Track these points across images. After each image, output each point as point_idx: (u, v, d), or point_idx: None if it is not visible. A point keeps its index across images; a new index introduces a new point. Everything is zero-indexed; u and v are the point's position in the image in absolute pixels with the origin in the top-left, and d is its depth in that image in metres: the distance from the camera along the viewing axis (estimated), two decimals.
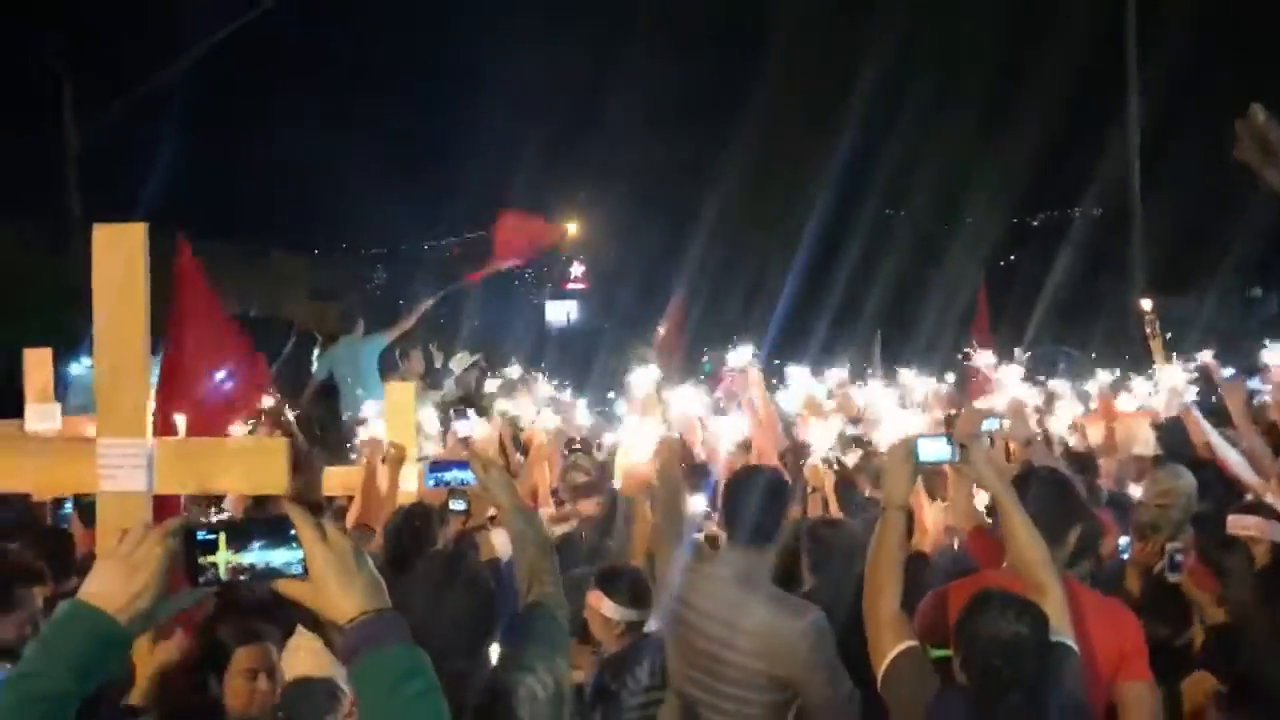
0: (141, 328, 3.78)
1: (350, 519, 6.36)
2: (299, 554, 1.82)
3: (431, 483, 3.78)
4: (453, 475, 3.70)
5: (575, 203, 27.43)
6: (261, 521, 1.85)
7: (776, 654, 3.87)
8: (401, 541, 4.90)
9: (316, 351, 12.47)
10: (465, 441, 7.72)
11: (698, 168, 25.22)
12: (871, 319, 19.81)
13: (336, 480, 6.93)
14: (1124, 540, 5.75)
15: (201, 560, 1.81)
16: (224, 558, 1.80)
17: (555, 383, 10.60)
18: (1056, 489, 3.99)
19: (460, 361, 12.34)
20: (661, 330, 12.89)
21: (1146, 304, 10.52)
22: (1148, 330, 9.69)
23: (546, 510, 6.92)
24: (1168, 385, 8.48)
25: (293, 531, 1.83)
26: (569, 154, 25.57)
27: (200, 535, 1.81)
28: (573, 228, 30.39)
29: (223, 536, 1.81)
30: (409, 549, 4.82)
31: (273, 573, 1.82)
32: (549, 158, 25.95)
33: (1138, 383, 9.54)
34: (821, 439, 6.56)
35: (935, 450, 3.59)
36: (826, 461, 6.45)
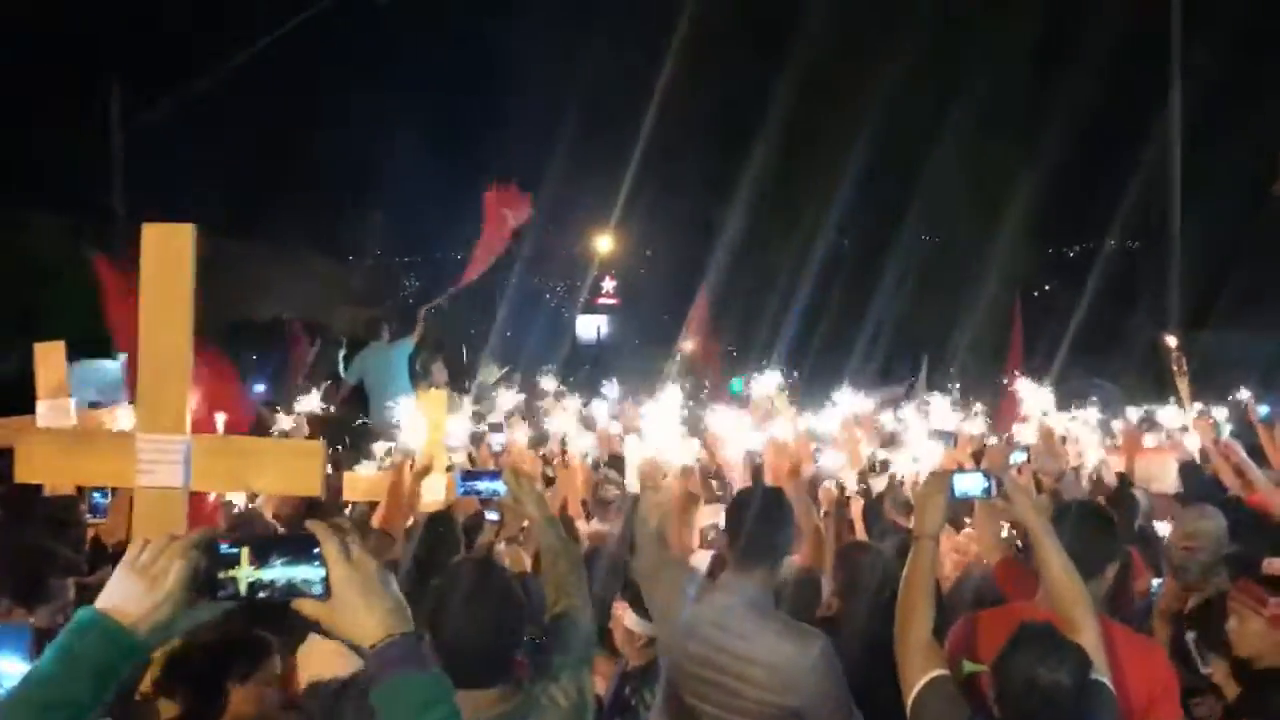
0: (186, 327, 3.83)
1: (375, 523, 6.41)
2: (321, 572, 1.79)
3: (462, 491, 3.79)
4: (484, 485, 3.72)
5: (608, 218, 27.48)
6: (286, 538, 1.83)
7: (789, 685, 3.81)
8: (426, 547, 4.93)
9: (343, 355, 12.58)
10: (498, 457, 7.77)
11: (733, 186, 25.21)
12: (910, 346, 19.77)
13: (361, 485, 6.97)
14: (1157, 582, 5.68)
15: (222, 575, 1.79)
16: (245, 573, 1.78)
17: (583, 400, 10.63)
18: (1098, 522, 3.97)
19: (489, 374, 12.40)
20: (690, 344, 12.90)
21: (1172, 340, 10.46)
22: (1174, 368, 9.63)
23: (584, 525, 6.96)
24: (1184, 425, 8.44)
25: (317, 550, 1.80)
26: (603, 168, 25.64)
27: (222, 549, 1.79)
28: (606, 243, 30.53)
29: (245, 551, 1.78)
30: (433, 555, 4.86)
31: (294, 590, 1.79)
32: (583, 171, 26.05)
33: (1167, 414, 9.47)
34: (833, 462, 6.55)
35: (971, 485, 3.61)
36: (840, 487, 6.45)
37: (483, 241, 12.17)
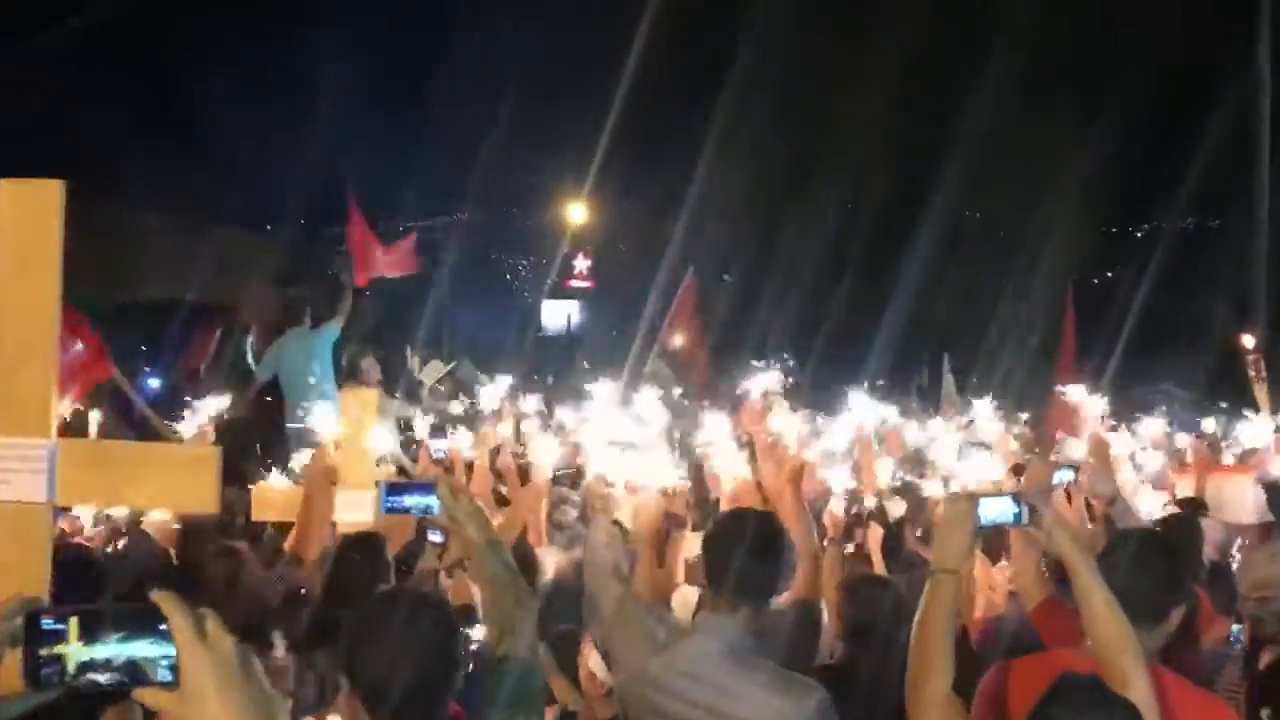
0: (52, 304, 3.78)
1: (288, 546, 6.40)
2: (169, 650, 1.70)
3: (386, 507, 3.76)
4: (414, 501, 3.69)
5: (582, 184, 27.48)
6: (126, 610, 1.73)
7: None
8: (339, 575, 4.90)
9: (250, 343, 12.51)
10: (440, 464, 7.74)
11: (732, 149, 25.24)
12: (936, 341, 19.78)
13: (274, 501, 6.94)
14: (1237, 628, 5.68)
15: (44, 652, 1.70)
16: (74, 650, 1.70)
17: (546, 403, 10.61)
18: (1162, 555, 3.96)
19: (431, 373, 12.37)
20: (678, 339, 12.89)
21: (1250, 341, 10.51)
22: (1250, 372, 9.67)
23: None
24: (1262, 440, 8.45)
25: (164, 625, 1.70)
26: (576, 124, 25.59)
27: (45, 623, 1.71)
28: (579, 214, 30.53)
29: (74, 623, 1.70)
30: (349, 585, 4.83)
31: (135, 672, 1.69)
32: (553, 127, 26.04)
33: (1247, 429, 9.49)
34: (841, 481, 6.55)
35: (999, 511, 3.61)
36: (849, 509, 6.46)
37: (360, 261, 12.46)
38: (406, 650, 2.92)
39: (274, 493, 7.10)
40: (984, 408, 10.38)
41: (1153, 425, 10.25)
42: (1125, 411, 11.25)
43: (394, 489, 3.78)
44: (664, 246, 20.73)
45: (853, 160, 24.13)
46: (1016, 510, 3.60)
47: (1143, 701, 3.28)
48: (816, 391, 10.70)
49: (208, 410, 8.27)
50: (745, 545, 3.99)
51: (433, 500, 3.63)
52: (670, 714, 3.91)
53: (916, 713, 3.41)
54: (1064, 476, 6.02)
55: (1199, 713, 3.68)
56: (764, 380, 7.95)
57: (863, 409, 8.62)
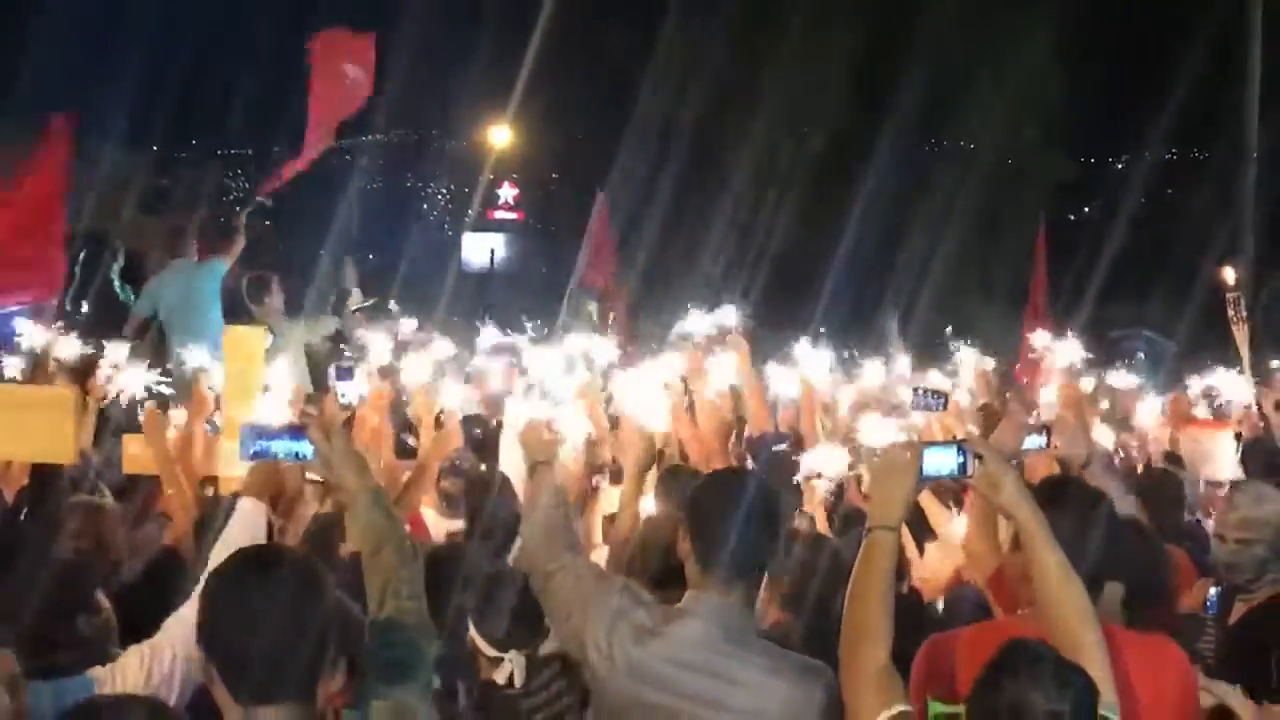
0: None
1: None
2: None
3: (250, 452, 3.66)
4: (281, 446, 3.60)
5: (506, 103, 27.18)
6: None
7: None
8: (209, 538, 4.78)
9: (118, 268, 12.24)
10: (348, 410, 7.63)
11: (675, 64, 25.06)
12: (893, 286, 19.87)
13: (146, 453, 6.78)
14: (1214, 591, 5.69)
15: None
16: None
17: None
18: (1097, 521, 3.88)
19: (355, 301, 12.19)
20: (596, 277, 12.81)
21: (1230, 275, 10.57)
22: (1230, 312, 9.72)
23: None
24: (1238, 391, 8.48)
25: None
26: (500, 33, 25.30)
27: None
28: (503, 137, 30.22)
29: None
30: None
31: None
32: (472, 36, 25.71)
33: (1225, 378, 9.55)
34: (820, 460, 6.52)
35: (940, 461, 3.56)
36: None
37: (315, 110, 11.87)
38: (265, 618, 2.80)
39: (138, 444, 6.91)
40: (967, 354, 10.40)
41: (1123, 378, 10.24)
42: (1100, 358, 11.30)
43: (259, 433, 3.67)
44: (598, 177, 20.57)
45: (804, 80, 24.04)
46: (961, 460, 3.54)
47: (1098, 669, 3.29)
48: (760, 339, 10.64)
49: (58, 353, 7.95)
50: (741, 513, 3.81)
51: (304, 446, 3.54)
52: (660, 708, 3.76)
53: (851, 683, 3.38)
54: (1034, 443, 5.93)
55: (1146, 657, 3.69)
56: (713, 321, 7.92)
57: (808, 359, 8.60)
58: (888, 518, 3.54)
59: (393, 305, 13.14)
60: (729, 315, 8.08)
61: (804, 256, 21.41)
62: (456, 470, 7.42)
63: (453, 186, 39.74)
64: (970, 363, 9.14)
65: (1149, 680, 3.63)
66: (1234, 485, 5.87)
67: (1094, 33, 22.78)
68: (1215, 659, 5.12)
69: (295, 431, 3.62)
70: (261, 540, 4.33)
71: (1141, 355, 19.23)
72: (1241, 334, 9.64)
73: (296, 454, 3.59)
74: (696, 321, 8.08)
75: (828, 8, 24.13)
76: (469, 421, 8.45)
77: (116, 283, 12.26)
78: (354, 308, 11.80)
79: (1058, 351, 8.08)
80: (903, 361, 10.91)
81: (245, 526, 4.24)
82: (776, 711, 3.63)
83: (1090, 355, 8.73)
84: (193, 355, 7.41)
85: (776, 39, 24.47)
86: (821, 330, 13.94)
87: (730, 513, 3.81)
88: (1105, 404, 9.45)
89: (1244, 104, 22.25)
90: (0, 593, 4.14)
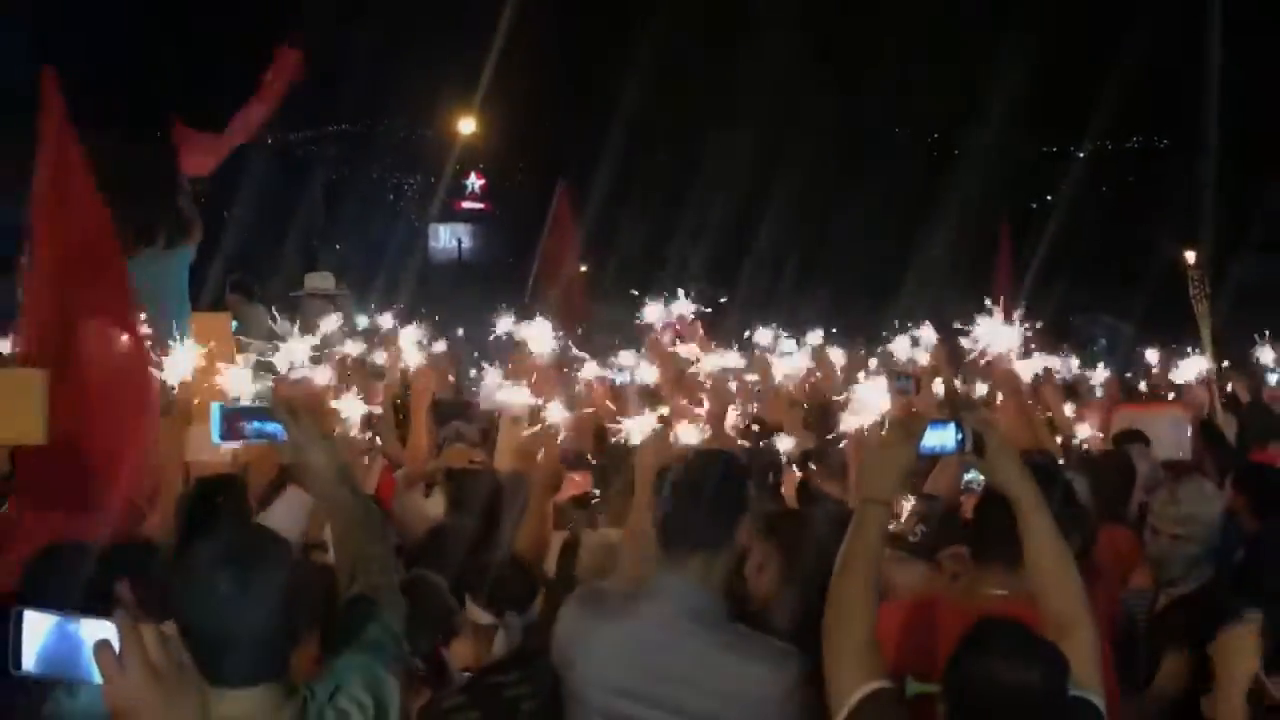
0: None
1: None
2: None
3: (219, 436, 3.67)
4: (251, 429, 3.61)
5: (472, 92, 27.07)
6: None
7: None
8: (195, 525, 4.79)
9: None
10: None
11: (644, 52, 25.03)
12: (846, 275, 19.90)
13: None
14: None
15: None
16: None
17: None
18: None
19: (320, 280, 12.13)
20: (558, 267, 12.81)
21: (1191, 256, 10.64)
22: (1192, 292, 9.78)
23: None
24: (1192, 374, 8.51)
25: None
26: (464, 20, 25.19)
27: None
28: (469, 127, 30.05)
29: None
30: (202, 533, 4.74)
31: None
32: (437, 24, 25.59)
33: (1187, 364, 9.63)
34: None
35: (939, 437, 3.56)
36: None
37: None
38: (232, 601, 2.83)
39: None
40: (901, 342, 10.47)
41: (1064, 363, 10.17)
42: (1054, 343, 11.33)
43: (229, 415, 3.69)
44: (565, 167, 20.54)
45: (773, 67, 24.09)
46: (959, 436, 3.54)
47: (1087, 647, 3.32)
48: (724, 327, 10.71)
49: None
50: (689, 482, 3.83)
51: (275, 427, 3.56)
52: (626, 692, 3.72)
53: (833, 660, 3.36)
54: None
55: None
56: (674, 310, 7.97)
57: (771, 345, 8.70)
58: (881, 490, 3.52)
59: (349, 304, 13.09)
60: (684, 305, 8.11)
61: (772, 241, 21.42)
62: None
63: (419, 177, 39.51)
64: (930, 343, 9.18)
65: None
66: (1176, 478, 5.74)
67: (1057, 22, 22.78)
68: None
69: (265, 413, 3.64)
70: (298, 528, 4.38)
71: (1101, 340, 19.40)
72: (1203, 310, 9.69)
73: (265, 434, 3.61)
74: (654, 311, 8.12)
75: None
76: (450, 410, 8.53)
77: None
78: (323, 289, 11.78)
79: (994, 335, 7.74)
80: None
81: (288, 512, 4.29)
82: (748, 697, 3.59)
83: (1032, 338, 8.65)
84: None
85: (741, 28, 24.50)
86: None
87: (682, 489, 3.81)
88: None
89: (1204, 92, 22.36)
90: None
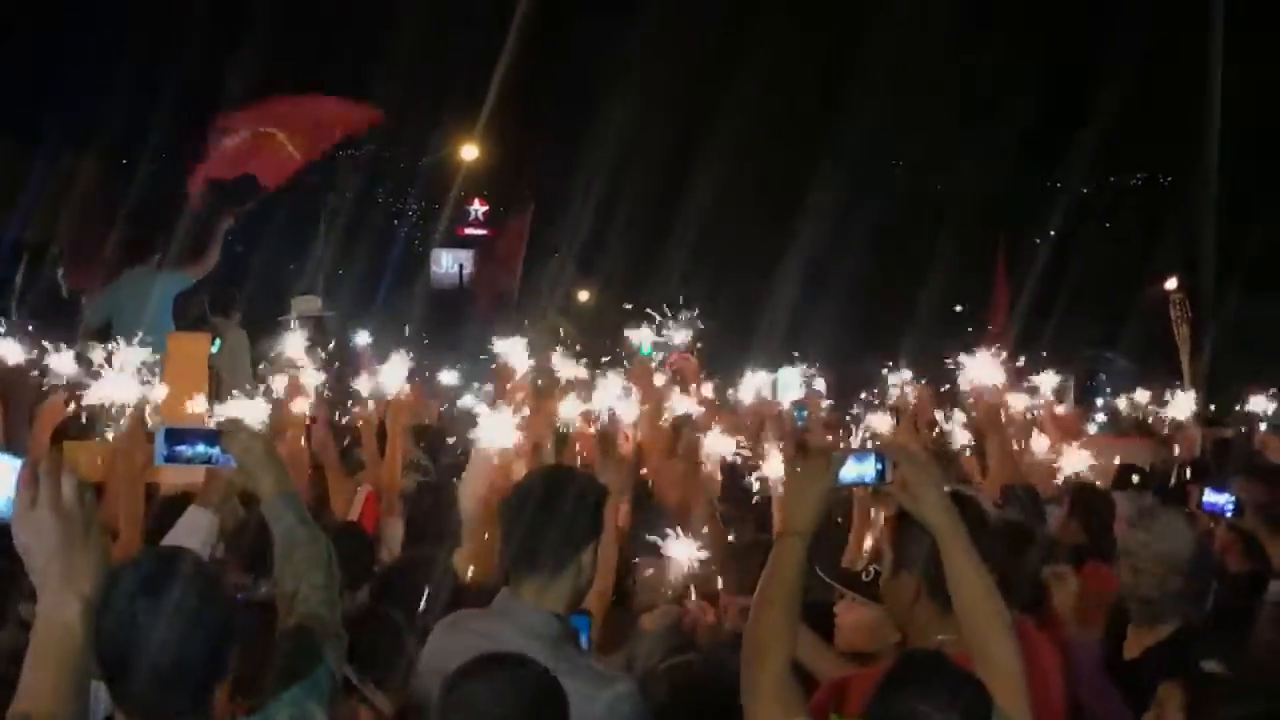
0: None
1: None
2: None
3: (162, 458, 3.60)
4: (197, 452, 3.55)
5: (474, 118, 27.12)
6: None
7: None
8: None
9: (61, 275, 12.08)
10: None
11: (644, 90, 25.13)
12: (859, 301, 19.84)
13: (81, 460, 6.68)
14: None
15: None
16: None
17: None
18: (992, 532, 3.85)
19: (306, 304, 12.09)
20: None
21: (1173, 283, 10.57)
22: (1174, 314, 9.71)
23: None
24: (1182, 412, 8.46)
25: None
26: (469, 46, 25.27)
27: None
28: (471, 153, 30.08)
29: None
30: None
31: None
32: (443, 51, 25.66)
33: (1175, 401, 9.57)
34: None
35: (858, 468, 3.54)
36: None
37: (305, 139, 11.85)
38: (153, 632, 2.73)
39: (83, 450, 6.82)
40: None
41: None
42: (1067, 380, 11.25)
43: (173, 436, 3.61)
44: (571, 194, 20.57)
45: (768, 98, 24.15)
46: (878, 468, 3.50)
47: (1011, 682, 3.28)
48: (718, 358, 10.69)
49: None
50: (521, 505, 3.84)
51: (216, 450, 3.50)
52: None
53: (750, 695, 3.33)
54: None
55: (1031, 651, 3.60)
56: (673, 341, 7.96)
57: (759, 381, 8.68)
58: (800, 523, 3.51)
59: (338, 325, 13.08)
60: (680, 333, 8.08)
61: (768, 276, 21.42)
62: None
63: (423, 203, 39.64)
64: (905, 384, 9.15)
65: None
66: (1148, 514, 5.62)
67: (1054, 58, 22.84)
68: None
69: (210, 435, 3.57)
70: (204, 550, 4.30)
71: (1101, 374, 19.34)
72: (1183, 335, 9.63)
73: (209, 458, 3.54)
74: (645, 334, 8.08)
75: (792, 30, 24.23)
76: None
77: (64, 291, 12.09)
78: (308, 311, 11.74)
79: (980, 370, 7.45)
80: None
81: (189, 534, 4.21)
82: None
83: (1009, 373, 8.56)
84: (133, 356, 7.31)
85: (740, 58, 24.58)
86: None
87: (531, 510, 3.79)
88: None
89: (1205, 128, 22.30)
90: None
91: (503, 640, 3.60)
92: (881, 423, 8.29)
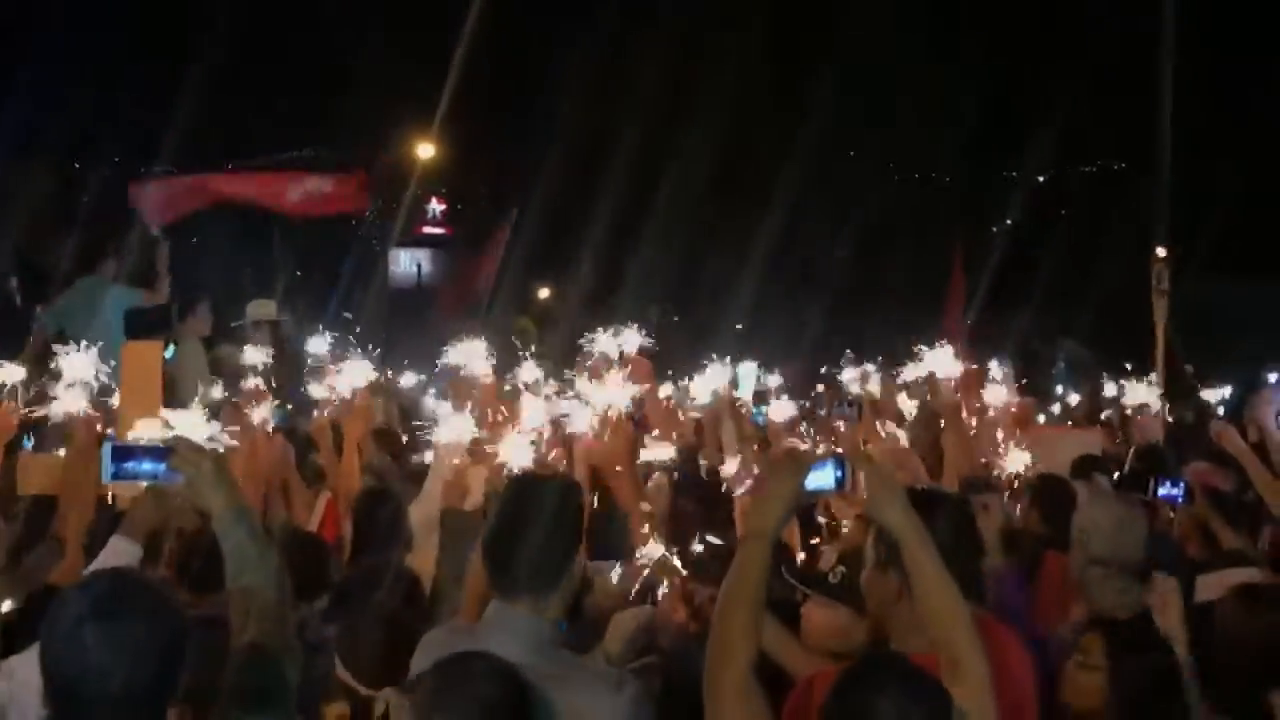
0: None
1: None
2: None
3: (109, 475, 3.54)
4: (143, 469, 3.49)
5: (430, 115, 26.96)
6: None
7: None
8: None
9: (14, 286, 12.00)
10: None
11: (604, 86, 25.10)
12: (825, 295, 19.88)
13: (37, 472, 6.62)
14: None
15: None
16: None
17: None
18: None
19: (260, 309, 11.99)
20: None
21: (1161, 252, 10.61)
22: (1154, 281, 9.73)
23: None
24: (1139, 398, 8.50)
25: None
26: (423, 40, 25.17)
27: None
28: (427, 151, 29.91)
29: None
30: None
31: None
32: (396, 43, 25.53)
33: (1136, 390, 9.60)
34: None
35: (819, 478, 3.54)
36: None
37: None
38: (99, 649, 2.69)
39: (39, 461, 6.75)
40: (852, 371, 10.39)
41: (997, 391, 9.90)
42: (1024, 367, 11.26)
43: (120, 453, 3.56)
44: (531, 193, 20.53)
45: (727, 94, 24.16)
46: (839, 475, 3.52)
47: (976, 687, 3.29)
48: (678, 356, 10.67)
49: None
50: (540, 521, 3.74)
51: (162, 467, 3.45)
52: None
53: (713, 697, 3.33)
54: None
55: (998, 648, 3.63)
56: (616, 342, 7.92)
57: (719, 376, 8.62)
58: (765, 526, 3.50)
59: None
60: (631, 338, 8.04)
61: (727, 268, 21.44)
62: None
63: (379, 202, 39.38)
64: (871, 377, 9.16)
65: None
66: (1098, 503, 5.63)
67: (1009, 49, 22.95)
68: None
69: (158, 452, 3.51)
70: None
71: (1062, 364, 19.42)
72: (1161, 304, 9.66)
73: (156, 475, 3.49)
74: (604, 341, 8.03)
75: (753, 31, 24.27)
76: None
77: (17, 300, 12.00)
78: (263, 316, 11.64)
79: (938, 361, 7.26)
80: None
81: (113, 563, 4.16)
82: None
83: (971, 364, 8.59)
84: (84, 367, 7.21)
85: (697, 55, 24.59)
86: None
87: (522, 523, 3.72)
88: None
89: (1158, 115, 22.43)
90: None
91: (507, 654, 3.52)
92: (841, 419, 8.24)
